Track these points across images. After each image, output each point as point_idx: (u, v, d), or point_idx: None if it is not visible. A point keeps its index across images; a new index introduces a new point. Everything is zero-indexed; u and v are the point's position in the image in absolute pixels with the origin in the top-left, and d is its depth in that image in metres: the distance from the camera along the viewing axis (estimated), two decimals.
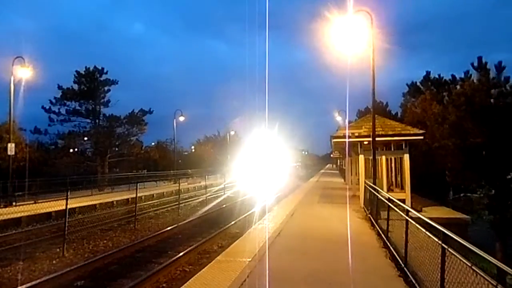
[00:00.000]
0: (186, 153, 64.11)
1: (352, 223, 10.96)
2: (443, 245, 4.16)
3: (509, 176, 18.15)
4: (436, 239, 4.39)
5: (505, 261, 2.83)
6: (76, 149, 36.41)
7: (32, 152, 28.25)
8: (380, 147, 16.44)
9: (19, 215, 15.46)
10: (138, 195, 17.42)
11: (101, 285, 8.31)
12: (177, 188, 23.81)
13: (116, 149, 36.72)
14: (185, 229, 14.65)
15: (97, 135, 34.14)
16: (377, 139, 14.08)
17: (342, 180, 36.33)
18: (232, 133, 59.68)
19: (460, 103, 19.00)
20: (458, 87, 22.91)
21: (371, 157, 14.32)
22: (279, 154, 49.93)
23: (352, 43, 13.15)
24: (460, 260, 3.66)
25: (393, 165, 18.56)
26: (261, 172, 37.05)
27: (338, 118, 35.97)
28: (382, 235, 8.69)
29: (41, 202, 17.03)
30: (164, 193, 27.84)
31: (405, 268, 5.98)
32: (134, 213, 16.18)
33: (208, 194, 25.58)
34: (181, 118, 40.15)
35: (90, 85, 34.44)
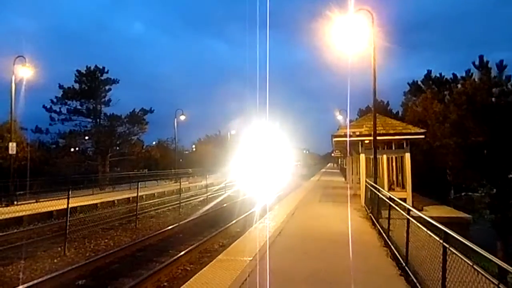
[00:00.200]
0: (187, 152, 64.15)
1: (353, 222, 10.96)
2: (444, 244, 4.15)
3: (511, 175, 18.13)
4: (437, 238, 4.39)
5: (506, 260, 2.83)
6: (77, 148, 36.43)
7: (33, 151, 28.29)
8: (381, 146, 16.41)
9: (20, 214, 15.48)
10: (139, 194, 17.43)
11: (103, 284, 8.32)
12: (178, 187, 23.83)
13: (117, 148, 36.73)
14: (186, 228, 14.67)
15: (98, 134, 34.15)
16: (378, 138, 14.07)
17: (343, 179, 36.32)
18: (233, 132, 59.68)
19: (462, 102, 18.98)
20: (459, 86, 22.89)
21: (372, 156, 14.31)
22: (280, 153, 49.90)
23: (353, 42, 13.13)
24: (462, 259, 3.66)
25: (394, 164, 18.53)
26: (262, 171, 37.04)
27: (339, 117, 35.98)
28: (383, 234, 8.69)
29: (43, 201, 17.04)
30: (165, 192, 27.86)
31: (406, 267, 5.98)
32: (135, 212, 16.19)
33: (209, 193, 25.59)
34: (182, 117, 40.13)
35: (91, 85, 34.45)
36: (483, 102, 18.19)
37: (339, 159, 65.16)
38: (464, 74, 22.72)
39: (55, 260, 10.06)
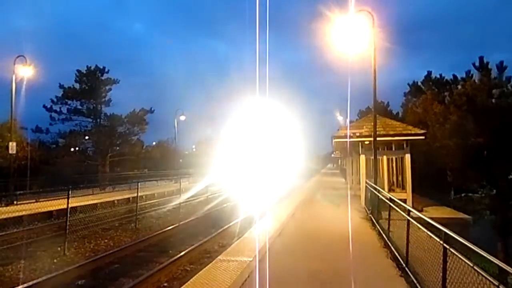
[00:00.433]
0: (187, 152, 64.15)
1: (353, 223, 10.95)
2: (444, 245, 4.15)
3: (511, 176, 18.13)
4: (438, 239, 4.38)
5: (507, 261, 2.83)
6: (77, 148, 36.50)
7: (33, 151, 28.34)
8: (381, 147, 16.42)
9: (20, 214, 15.49)
10: (139, 194, 17.42)
11: (102, 284, 8.32)
12: (178, 187, 23.81)
13: (117, 148, 36.78)
14: (186, 229, 14.65)
15: (98, 134, 34.20)
16: (378, 139, 14.06)
17: (343, 180, 36.32)
18: (234, 132, 59.64)
19: (462, 103, 19.00)
20: (459, 87, 22.93)
21: (372, 157, 14.30)
22: (280, 154, 49.84)
23: (353, 43, 13.12)
24: (462, 260, 3.65)
25: (394, 165, 18.55)
26: (262, 171, 37.01)
27: (339, 118, 36.01)
28: (383, 235, 8.69)
29: (42, 201, 17.07)
30: (165, 192, 27.85)
31: (406, 268, 5.97)
32: (135, 212, 16.19)
33: (209, 194, 25.59)
34: (182, 118, 40.16)
35: (92, 84, 34.51)
36: (483, 103, 18.21)
37: (339, 160, 65.17)
38: (464, 75, 22.80)
39: (55, 260, 10.06)
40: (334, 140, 18.80)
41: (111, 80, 35.38)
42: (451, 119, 19.36)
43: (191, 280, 6.12)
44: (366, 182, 14.93)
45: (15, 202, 18.40)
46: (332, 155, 70.10)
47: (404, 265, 6.14)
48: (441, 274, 4.20)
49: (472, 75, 21.31)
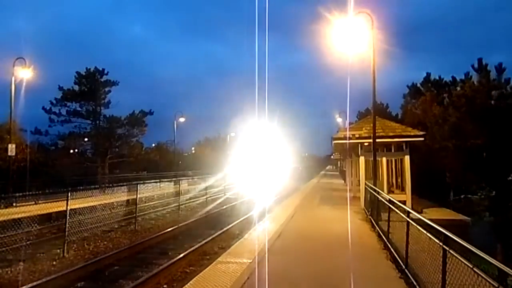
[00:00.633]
0: (186, 154, 64.13)
1: (353, 225, 10.95)
2: (444, 246, 4.15)
3: (510, 178, 18.16)
4: (437, 241, 4.39)
5: (506, 263, 2.83)
6: (76, 150, 36.49)
7: (32, 152, 28.29)
8: (380, 148, 16.43)
9: (19, 216, 15.40)
10: (139, 196, 17.41)
11: (102, 286, 8.31)
12: (177, 189, 23.80)
13: (117, 150, 36.75)
14: (186, 230, 14.64)
15: (97, 136, 34.18)
16: (377, 140, 14.08)
17: (343, 182, 36.32)
18: (233, 134, 59.68)
19: (461, 105, 19.03)
20: (458, 88, 22.97)
21: (371, 159, 14.32)
22: (279, 156, 49.88)
23: (353, 45, 13.16)
24: (461, 261, 3.66)
25: (393, 166, 18.56)
26: (261, 173, 37.01)
27: (339, 120, 36.02)
28: (383, 237, 8.69)
29: (42, 203, 17.01)
30: (165, 194, 27.81)
31: (406, 270, 5.98)
32: (134, 214, 16.17)
33: (208, 196, 25.58)
34: (181, 119, 40.17)
35: (91, 86, 34.51)
36: (482, 104, 18.24)
37: (339, 162, 65.11)
38: (463, 77, 22.82)
39: (54, 262, 10.04)
40: (333, 142, 18.82)
41: (110, 82, 35.39)
42: (450, 121, 19.39)
43: (190, 282, 6.12)
44: (365, 184, 14.94)
45: (14, 204, 18.34)
46: (332, 157, 70.08)
47: (403, 266, 6.14)
48: (440, 275, 4.20)
49: (471, 76, 21.35)
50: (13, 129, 21.59)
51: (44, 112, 33.14)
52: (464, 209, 18.47)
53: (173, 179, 37.40)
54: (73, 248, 11.54)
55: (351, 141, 16.50)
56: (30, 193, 20.56)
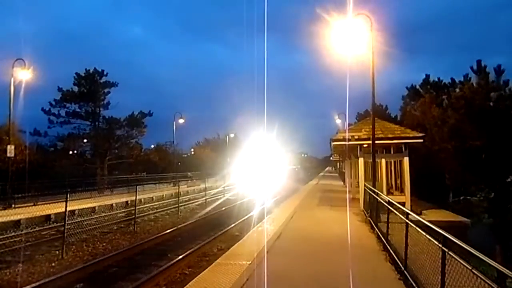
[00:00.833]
0: (185, 155, 64.12)
1: (352, 226, 10.95)
2: (443, 248, 4.15)
3: (509, 179, 18.17)
4: (436, 242, 4.39)
5: (505, 264, 2.83)
6: (75, 151, 36.42)
7: (31, 154, 28.23)
8: (379, 150, 16.45)
9: (18, 217, 15.43)
10: (138, 197, 17.40)
11: None
12: (177, 190, 23.80)
13: (116, 151, 36.73)
14: (185, 232, 14.63)
15: (96, 137, 34.14)
16: (376, 142, 14.09)
17: (342, 183, 36.32)
18: (232, 135, 59.72)
19: (460, 106, 19.05)
20: (457, 90, 22.98)
21: (370, 160, 14.33)
22: (279, 157, 49.92)
23: (352, 46, 13.18)
24: (461, 263, 3.66)
25: (392, 168, 18.56)
26: (260, 174, 37.03)
27: (338, 121, 36.01)
28: (382, 238, 8.69)
29: (41, 204, 17.03)
30: (164, 196, 27.82)
31: (405, 271, 5.97)
32: (133, 216, 16.16)
33: (208, 197, 25.58)
34: (181, 121, 40.16)
35: (90, 87, 34.48)
36: (481, 106, 18.26)
37: (338, 163, 65.12)
38: (462, 79, 22.80)
39: (53, 264, 10.02)
40: (332, 143, 18.82)
41: (109, 83, 35.37)
42: (449, 122, 19.40)
43: (190, 283, 6.12)
44: (364, 185, 14.94)
45: (13, 205, 18.35)
46: (331, 158, 70.11)
47: (403, 268, 6.14)
48: (440, 277, 4.20)
49: (470, 78, 21.36)
50: (12, 130, 21.56)
51: (43, 113, 33.15)
52: (463, 211, 18.47)
53: (172, 180, 37.45)
54: (72, 249, 11.52)
55: (350, 142, 16.51)
56: (29, 194, 20.58)
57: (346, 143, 16.61)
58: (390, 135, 16.08)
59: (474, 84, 20.14)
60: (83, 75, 34.62)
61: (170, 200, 25.72)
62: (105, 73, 35.16)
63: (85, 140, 35.50)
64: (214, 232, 14.01)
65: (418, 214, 9.26)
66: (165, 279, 8.62)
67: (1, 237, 13.04)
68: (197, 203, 24.46)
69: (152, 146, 53.13)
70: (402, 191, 16.61)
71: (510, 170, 17.76)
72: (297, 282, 6.06)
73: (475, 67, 20.35)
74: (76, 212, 17.69)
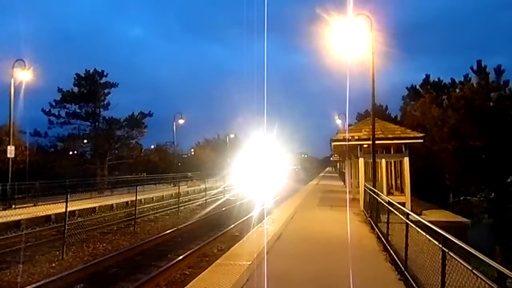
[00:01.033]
0: (185, 156, 64.12)
1: (352, 227, 10.95)
2: (443, 248, 4.15)
3: (509, 180, 18.17)
4: (437, 243, 4.39)
5: (505, 265, 2.83)
6: (75, 152, 36.41)
7: (31, 154, 28.26)
8: (379, 150, 16.45)
9: (18, 217, 15.43)
10: (138, 198, 17.40)
11: None
12: (177, 191, 23.79)
13: (116, 151, 36.72)
14: (185, 232, 14.63)
15: (96, 138, 34.14)
16: (376, 142, 14.09)
17: (342, 183, 36.33)
18: (232, 136, 59.73)
19: (460, 107, 19.06)
20: (457, 90, 22.99)
21: (370, 160, 14.32)
22: (279, 157, 49.92)
23: (352, 46, 13.18)
24: (461, 263, 3.66)
25: (392, 168, 18.57)
26: (260, 175, 37.03)
27: (338, 121, 36.01)
28: (382, 239, 8.69)
29: (41, 205, 17.03)
30: (164, 196, 27.81)
31: (405, 272, 5.98)
32: (133, 216, 16.16)
33: (208, 197, 25.57)
34: (181, 121, 40.17)
35: (90, 88, 34.48)
36: (481, 106, 18.27)
37: (338, 163, 65.15)
38: (462, 79, 22.83)
39: (53, 264, 10.02)
40: (332, 144, 18.83)
41: (109, 84, 35.37)
42: (449, 123, 19.41)
43: (190, 284, 6.12)
44: (365, 186, 14.94)
45: (13, 206, 18.35)
46: (331, 159, 70.13)
47: (403, 268, 6.14)
48: (440, 277, 4.20)
49: (470, 78, 21.37)
50: (12, 131, 21.54)
51: (44, 114, 33.14)
52: (463, 211, 18.46)
53: (172, 180, 37.45)
54: (72, 250, 11.51)
55: (350, 143, 16.51)
56: (29, 195, 20.58)
57: (346, 143, 16.61)
58: (390, 135, 16.08)
59: (474, 84, 20.15)
60: (83, 75, 34.62)
61: (170, 200, 25.72)
62: (105, 73, 35.20)
63: (85, 141, 35.49)
64: (214, 233, 14.01)
65: (418, 214, 9.27)
66: (165, 279, 8.62)
67: (2, 237, 13.04)
68: (197, 203, 24.45)
69: (152, 146, 53.22)
70: (402, 191, 16.60)
71: (510, 171, 17.76)
72: (297, 282, 6.06)
73: (475, 67, 20.38)
74: (76, 212, 17.71)
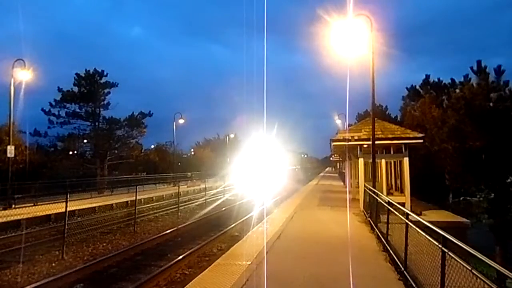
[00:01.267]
0: (185, 156, 64.11)
1: (352, 227, 10.96)
2: (443, 248, 4.16)
3: (509, 180, 18.18)
4: (436, 243, 4.39)
5: (505, 265, 2.84)
6: (75, 152, 36.37)
7: (31, 154, 28.23)
8: (379, 150, 16.45)
9: (18, 217, 15.42)
10: (138, 197, 17.40)
11: None
12: (177, 190, 23.79)
13: (116, 151, 36.69)
14: (185, 232, 14.64)
15: (96, 138, 34.12)
16: (376, 142, 14.10)
17: (342, 183, 36.32)
18: (232, 136, 59.75)
19: (460, 107, 19.05)
20: (457, 90, 22.98)
21: (370, 161, 14.33)
22: (278, 157, 49.91)
23: (352, 47, 13.18)
24: (460, 263, 3.66)
25: (392, 168, 18.57)
26: (260, 175, 37.03)
27: (338, 121, 36.04)
28: (382, 239, 8.69)
29: (41, 205, 17.03)
30: (164, 196, 27.81)
31: (405, 272, 5.98)
32: (133, 216, 16.16)
33: (207, 197, 25.57)
34: (181, 121, 40.19)
35: (90, 88, 34.46)
36: (481, 107, 18.27)
37: (338, 163, 65.17)
38: (462, 79, 22.80)
39: (53, 264, 10.02)
40: (332, 144, 18.82)
41: (109, 84, 35.34)
42: (449, 123, 19.40)
43: (190, 283, 6.12)
44: (364, 186, 14.94)
45: (13, 206, 18.33)
46: (331, 159, 70.14)
47: (402, 268, 6.15)
48: (439, 277, 4.21)
49: (470, 79, 21.36)
50: (12, 130, 21.54)
51: (44, 114, 33.09)
52: (463, 211, 18.49)
53: (172, 180, 37.43)
54: (72, 250, 11.52)
55: (350, 143, 16.52)
56: (29, 194, 20.57)
57: (346, 143, 16.61)
58: (390, 136, 16.09)
59: (474, 85, 20.14)
60: (83, 75, 34.61)
61: (170, 200, 25.71)
62: (105, 73, 35.17)
63: (85, 141, 35.47)
64: (214, 233, 14.02)
65: (418, 215, 9.26)
66: (165, 279, 8.64)
67: (2, 237, 13.04)
68: (197, 203, 24.45)
69: (152, 146, 53.21)
70: (402, 191, 16.61)
71: (510, 171, 17.76)
72: (297, 282, 6.06)
73: (475, 68, 20.35)
74: (76, 212, 17.71)
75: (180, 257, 10.07)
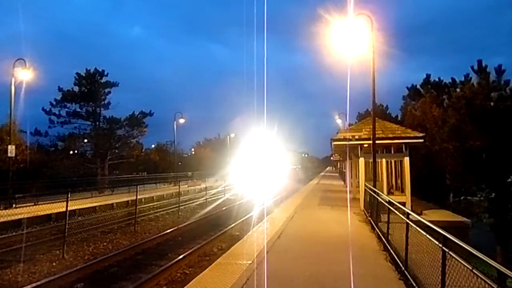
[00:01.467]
0: (186, 155, 64.11)
1: (352, 226, 10.96)
2: (443, 248, 4.16)
3: (509, 179, 18.16)
4: (437, 242, 4.39)
5: (505, 264, 2.84)
6: (76, 151, 36.39)
7: (32, 154, 28.22)
8: (380, 150, 16.45)
9: (19, 217, 15.43)
10: (138, 197, 17.40)
11: None
12: (177, 190, 23.79)
13: (116, 151, 36.68)
14: (185, 232, 14.64)
15: (97, 137, 34.12)
16: (377, 142, 14.09)
17: (342, 183, 36.33)
18: (232, 135, 59.73)
19: (460, 106, 19.04)
20: (458, 90, 22.98)
21: (371, 160, 14.32)
22: (279, 157, 49.89)
23: (352, 46, 13.17)
24: (461, 263, 3.66)
25: (393, 168, 18.56)
26: (260, 174, 37.01)
27: (338, 121, 36.01)
28: (383, 238, 8.69)
29: (41, 204, 17.04)
30: (164, 195, 27.81)
31: (405, 271, 5.98)
32: (134, 215, 16.17)
33: (208, 197, 25.57)
34: (181, 120, 40.17)
35: (91, 87, 34.47)
36: (481, 106, 18.25)
37: (338, 163, 65.17)
38: (462, 79, 22.82)
39: (54, 263, 10.03)
40: (333, 143, 18.82)
41: (110, 83, 35.34)
42: (449, 122, 19.39)
43: (190, 283, 6.13)
44: (365, 185, 14.94)
45: (14, 205, 18.34)
46: (332, 158, 70.13)
47: (403, 268, 6.15)
48: (440, 277, 4.21)
49: (471, 78, 21.36)
50: (13, 130, 21.57)
51: (44, 113, 33.08)
52: (464, 211, 18.48)
53: (173, 180, 37.45)
54: (73, 249, 11.53)
55: (350, 142, 16.52)
56: (30, 194, 20.58)
57: (347, 143, 16.62)
58: (390, 135, 16.08)
59: (475, 84, 20.13)
60: (83, 75, 34.61)
61: (171, 199, 25.72)
62: (105, 73, 35.14)
63: (85, 140, 35.48)
64: (214, 232, 14.03)
65: (419, 214, 9.27)
66: (166, 278, 8.64)
67: (2, 236, 13.05)
68: (197, 202, 24.45)
69: (153, 146, 53.23)
70: (402, 191, 16.60)
71: (511, 170, 17.75)
72: (297, 281, 6.07)
73: (475, 67, 20.35)
74: (77, 211, 17.72)
75: (181, 256, 10.07)
